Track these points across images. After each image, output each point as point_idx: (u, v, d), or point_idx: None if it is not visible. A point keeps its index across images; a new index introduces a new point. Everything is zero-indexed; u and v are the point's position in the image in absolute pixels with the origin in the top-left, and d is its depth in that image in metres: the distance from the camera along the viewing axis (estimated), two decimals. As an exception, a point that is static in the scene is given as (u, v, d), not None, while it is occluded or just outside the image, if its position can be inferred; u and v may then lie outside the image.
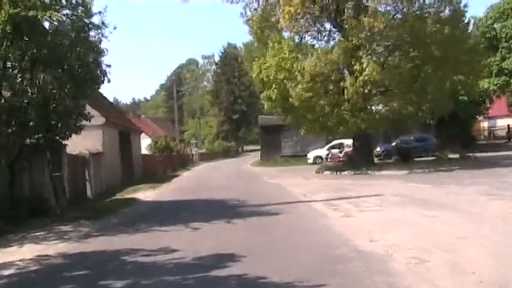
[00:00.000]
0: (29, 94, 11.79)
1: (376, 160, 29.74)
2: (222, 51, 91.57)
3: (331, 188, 18.26)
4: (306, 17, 24.79)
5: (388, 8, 24.35)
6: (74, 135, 13.54)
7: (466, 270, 6.06)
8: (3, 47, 10.76)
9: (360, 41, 22.94)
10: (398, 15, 24.41)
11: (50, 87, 11.61)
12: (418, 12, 24.10)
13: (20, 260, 8.08)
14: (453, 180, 17.58)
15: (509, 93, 42.36)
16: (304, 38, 26.64)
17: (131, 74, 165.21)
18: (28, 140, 12.37)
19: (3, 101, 11.60)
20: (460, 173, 20.79)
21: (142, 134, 53.64)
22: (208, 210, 13.60)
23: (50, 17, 10.88)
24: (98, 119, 22.86)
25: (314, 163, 37.10)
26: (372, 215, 10.93)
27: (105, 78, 12.95)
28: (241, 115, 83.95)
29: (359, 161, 26.21)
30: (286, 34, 26.12)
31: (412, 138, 33.63)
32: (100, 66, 12.78)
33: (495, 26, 37.95)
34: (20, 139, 12.04)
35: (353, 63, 23.13)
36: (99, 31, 12.60)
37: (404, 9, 24.16)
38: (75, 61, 11.75)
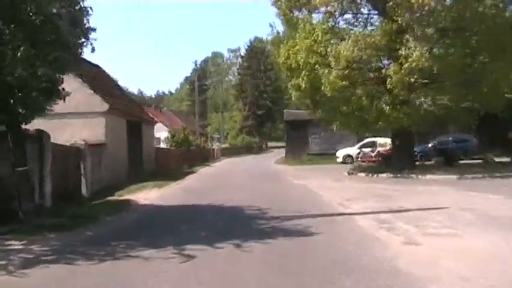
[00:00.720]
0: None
1: (412, 162, 26.05)
2: (248, 44, 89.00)
3: (371, 194, 14.95)
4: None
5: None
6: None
7: None
8: None
9: (405, 22, 19.43)
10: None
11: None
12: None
13: None
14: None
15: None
16: (338, 23, 23.13)
17: (156, 67, 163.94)
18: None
19: None
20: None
21: (163, 127, 51.27)
22: (216, 222, 10.46)
23: None
24: (100, 104, 20.13)
25: (343, 162, 34.42)
26: (447, 244, 7.59)
27: (86, 43, 9.92)
28: (266, 110, 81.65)
29: (398, 163, 22.75)
30: (317, 17, 22.79)
31: (450, 139, 29.93)
32: (78, 26, 9.69)
33: None
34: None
35: (397, 47, 19.67)
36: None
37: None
38: (34, 13, 8.64)
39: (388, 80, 19.50)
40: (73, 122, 19.82)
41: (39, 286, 6.08)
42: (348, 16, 22.88)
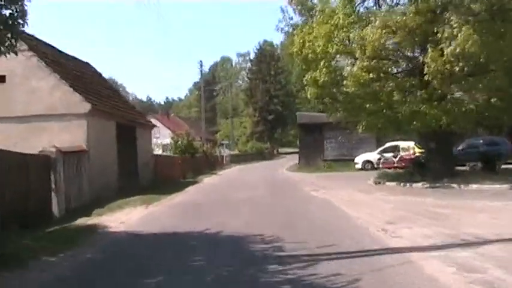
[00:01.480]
0: None
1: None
2: (258, 47, 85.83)
3: (417, 213, 11.46)
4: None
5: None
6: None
7: None
8: None
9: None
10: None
11: None
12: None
13: None
14: None
15: None
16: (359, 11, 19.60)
17: (165, 73, 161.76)
18: None
19: None
20: None
21: (171, 134, 47.59)
22: (205, 269, 6.88)
23: None
24: (81, 105, 16.94)
25: (363, 169, 31.33)
26: None
27: (13, 9, 6.80)
28: (276, 115, 78.38)
29: (435, 169, 19.22)
30: (334, 0, 19.37)
31: (481, 141, 26.38)
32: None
33: None
34: None
35: (435, 30, 16.20)
36: None
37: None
38: None
39: (426, 69, 16.01)
40: (50, 125, 16.72)
41: None
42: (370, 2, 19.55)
